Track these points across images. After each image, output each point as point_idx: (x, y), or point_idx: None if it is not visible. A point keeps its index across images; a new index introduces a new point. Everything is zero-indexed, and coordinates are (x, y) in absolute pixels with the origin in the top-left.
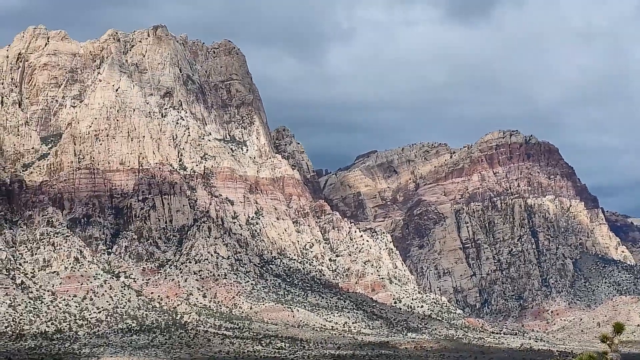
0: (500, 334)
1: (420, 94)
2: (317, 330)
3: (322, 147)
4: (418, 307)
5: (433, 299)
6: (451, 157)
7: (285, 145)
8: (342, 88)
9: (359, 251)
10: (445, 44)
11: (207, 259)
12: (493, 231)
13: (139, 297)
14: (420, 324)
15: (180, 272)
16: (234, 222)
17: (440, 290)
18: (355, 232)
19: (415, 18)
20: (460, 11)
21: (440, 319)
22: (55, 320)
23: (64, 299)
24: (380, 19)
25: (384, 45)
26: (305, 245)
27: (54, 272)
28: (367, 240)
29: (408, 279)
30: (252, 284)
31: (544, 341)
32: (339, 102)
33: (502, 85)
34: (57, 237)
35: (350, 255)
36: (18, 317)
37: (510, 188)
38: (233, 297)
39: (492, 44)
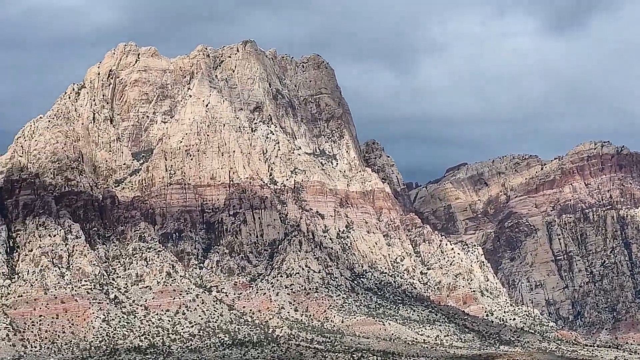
0: (594, 346)
1: (513, 106)
2: (408, 343)
3: (412, 160)
4: (510, 319)
5: (525, 311)
6: (542, 168)
7: (375, 158)
8: (435, 101)
9: (450, 264)
10: (540, 55)
11: (298, 273)
12: (585, 243)
13: (231, 311)
14: (513, 337)
15: (272, 286)
16: (325, 236)
17: (532, 302)
18: (446, 245)
19: (510, 30)
20: (555, 22)
21: (532, 331)
22: (149, 335)
23: (157, 314)
24: (474, 32)
25: (479, 58)
26: (396, 258)
27: (147, 286)
28: (458, 253)
29: (500, 291)
30: (343, 297)
31: (638, 354)
32: (431, 115)
33: (595, 96)
34: (149, 252)
35: (441, 268)
36: (112, 332)
37: (602, 199)
38: (324, 311)
39: (587, 54)
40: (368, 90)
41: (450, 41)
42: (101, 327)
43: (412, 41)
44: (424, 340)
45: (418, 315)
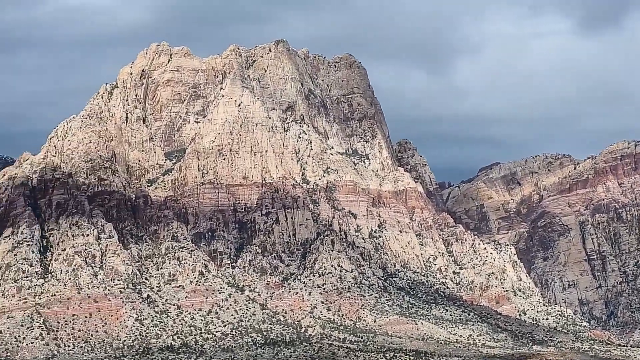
0: (627, 346)
1: (546, 106)
2: (441, 343)
3: (445, 159)
4: (543, 319)
5: (558, 311)
6: (575, 168)
7: (408, 158)
8: (468, 101)
9: (483, 264)
10: (573, 55)
11: (330, 272)
12: (618, 242)
13: (264, 311)
14: (546, 337)
15: (304, 286)
16: (357, 236)
17: (565, 302)
18: (479, 244)
19: (544, 30)
20: (589, 22)
21: (565, 331)
22: (181, 334)
23: (190, 313)
24: (508, 32)
25: (512, 57)
26: (429, 258)
27: (180, 286)
28: (491, 253)
29: (533, 291)
30: (375, 297)
31: None
32: (464, 115)
33: (629, 95)
34: (182, 251)
35: (474, 267)
36: (145, 331)
37: (635, 199)
38: (357, 310)
39: (620, 54)
40: (401, 89)
41: (484, 41)
42: (134, 326)
43: (446, 40)
44: (456, 339)
45: (451, 315)
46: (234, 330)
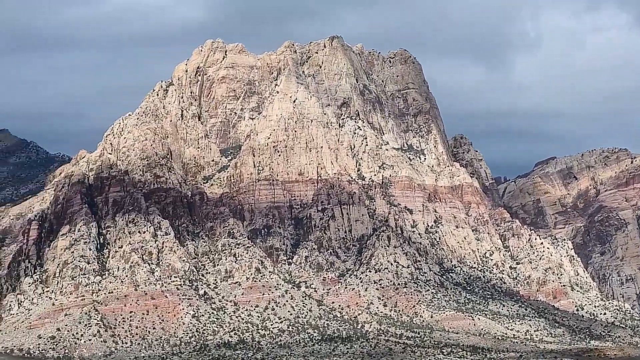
0: None
1: (604, 100)
2: (498, 338)
3: (501, 154)
4: (601, 314)
5: (616, 306)
6: (632, 162)
7: (464, 153)
8: (524, 95)
9: (540, 258)
10: (633, 49)
11: (387, 268)
12: None
13: (320, 307)
14: (604, 332)
15: (361, 282)
16: (413, 231)
17: (623, 297)
18: (535, 239)
19: (603, 24)
20: None
21: (623, 326)
22: (238, 331)
23: (246, 309)
24: (566, 26)
25: (570, 52)
26: (485, 253)
27: (236, 282)
28: (548, 248)
29: (590, 286)
30: (432, 292)
31: None
32: (520, 109)
33: None
34: (238, 248)
35: (530, 262)
36: (202, 328)
37: None
38: (413, 306)
39: None
40: (456, 84)
41: (542, 35)
42: (191, 323)
43: (503, 35)
44: (513, 335)
45: (508, 310)
46: (290, 327)
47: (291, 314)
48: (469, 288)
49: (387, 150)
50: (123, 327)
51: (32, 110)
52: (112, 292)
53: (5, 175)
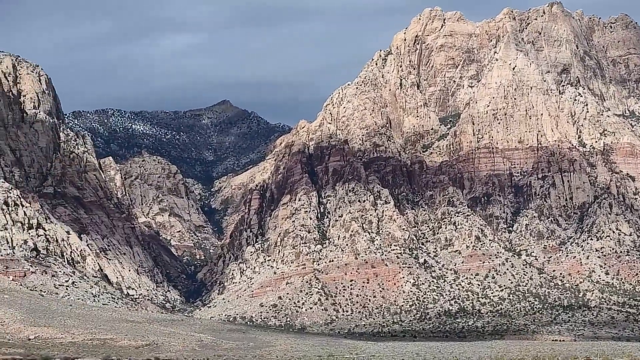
0: None
1: None
2: None
3: None
4: None
5: None
6: None
7: None
8: None
9: None
10: None
11: (609, 236)
12: None
13: (541, 275)
14: None
15: (582, 250)
16: (636, 199)
17: None
18: None
19: None
20: None
21: None
22: (458, 299)
23: (466, 278)
24: None
25: None
26: None
27: (456, 251)
28: None
29: None
30: None
31: None
32: None
33: None
34: (458, 216)
35: None
36: (422, 296)
37: None
38: (636, 274)
39: None
40: None
41: None
42: (411, 291)
43: None
44: None
45: None
46: (511, 295)
47: (512, 282)
48: None
49: (608, 116)
50: (344, 296)
51: (251, 81)
52: (332, 261)
53: (227, 146)
